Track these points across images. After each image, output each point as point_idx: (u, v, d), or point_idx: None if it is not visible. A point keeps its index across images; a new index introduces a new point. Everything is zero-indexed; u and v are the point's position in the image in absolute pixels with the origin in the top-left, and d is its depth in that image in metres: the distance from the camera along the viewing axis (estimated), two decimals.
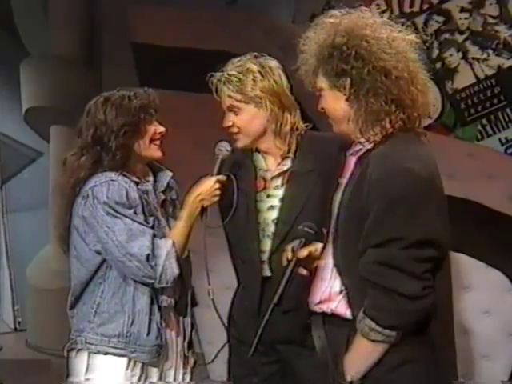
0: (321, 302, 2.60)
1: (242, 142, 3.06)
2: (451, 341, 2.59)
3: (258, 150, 3.10)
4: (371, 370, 2.46)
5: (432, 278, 2.42)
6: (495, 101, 4.99)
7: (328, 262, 2.60)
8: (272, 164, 3.07)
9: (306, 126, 3.08)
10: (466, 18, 5.05)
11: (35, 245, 5.55)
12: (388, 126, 2.51)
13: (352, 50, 2.49)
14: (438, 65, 5.04)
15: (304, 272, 2.69)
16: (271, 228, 3.02)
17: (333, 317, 2.57)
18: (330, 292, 2.57)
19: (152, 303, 2.89)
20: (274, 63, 3.02)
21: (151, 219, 2.89)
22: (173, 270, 2.84)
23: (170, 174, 3.01)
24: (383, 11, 5.20)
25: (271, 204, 3.04)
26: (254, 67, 2.99)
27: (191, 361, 3.03)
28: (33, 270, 5.54)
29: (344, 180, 2.62)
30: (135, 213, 2.84)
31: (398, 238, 2.38)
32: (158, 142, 2.94)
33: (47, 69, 5.63)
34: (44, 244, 5.63)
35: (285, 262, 2.68)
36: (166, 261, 2.82)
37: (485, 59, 4.99)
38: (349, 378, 2.47)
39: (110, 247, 2.82)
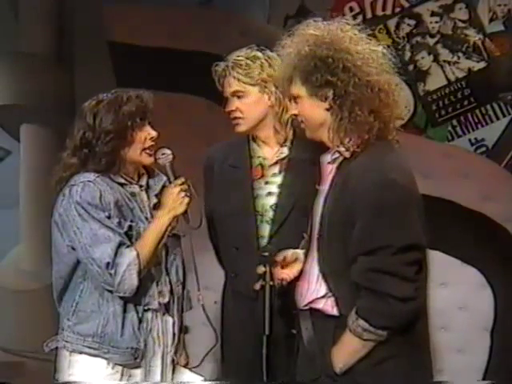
0: (308, 303, 2.72)
1: (243, 126, 3.15)
2: (428, 340, 2.72)
3: (254, 139, 3.17)
4: (357, 363, 2.60)
5: (420, 278, 2.58)
6: (465, 102, 5.08)
7: (314, 267, 2.71)
8: (269, 152, 3.17)
9: None
10: (436, 22, 5.14)
11: (5, 245, 5.49)
12: (366, 136, 2.63)
13: (339, 63, 2.60)
14: (411, 67, 5.12)
15: (285, 276, 2.80)
16: (270, 214, 3.11)
17: (319, 311, 2.70)
18: (317, 296, 2.69)
19: (129, 305, 2.90)
20: (275, 54, 3.11)
21: (126, 224, 2.90)
22: (132, 281, 2.84)
23: (165, 178, 3.03)
24: (357, 14, 5.29)
25: (269, 190, 3.14)
26: (260, 55, 3.14)
27: (180, 364, 3.05)
28: (2, 271, 5.48)
29: (323, 187, 2.73)
30: (109, 216, 2.86)
31: (387, 245, 2.55)
32: (149, 151, 2.96)
33: (17, 67, 5.56)
34: (14, 244, 5.57)
35: (258, 287, 2.78)
36: (125, 271, 2.82)
37: (455, 62, 5.09)
38: (337, 370, 2.60)
39: (76, 247, 2.87)
